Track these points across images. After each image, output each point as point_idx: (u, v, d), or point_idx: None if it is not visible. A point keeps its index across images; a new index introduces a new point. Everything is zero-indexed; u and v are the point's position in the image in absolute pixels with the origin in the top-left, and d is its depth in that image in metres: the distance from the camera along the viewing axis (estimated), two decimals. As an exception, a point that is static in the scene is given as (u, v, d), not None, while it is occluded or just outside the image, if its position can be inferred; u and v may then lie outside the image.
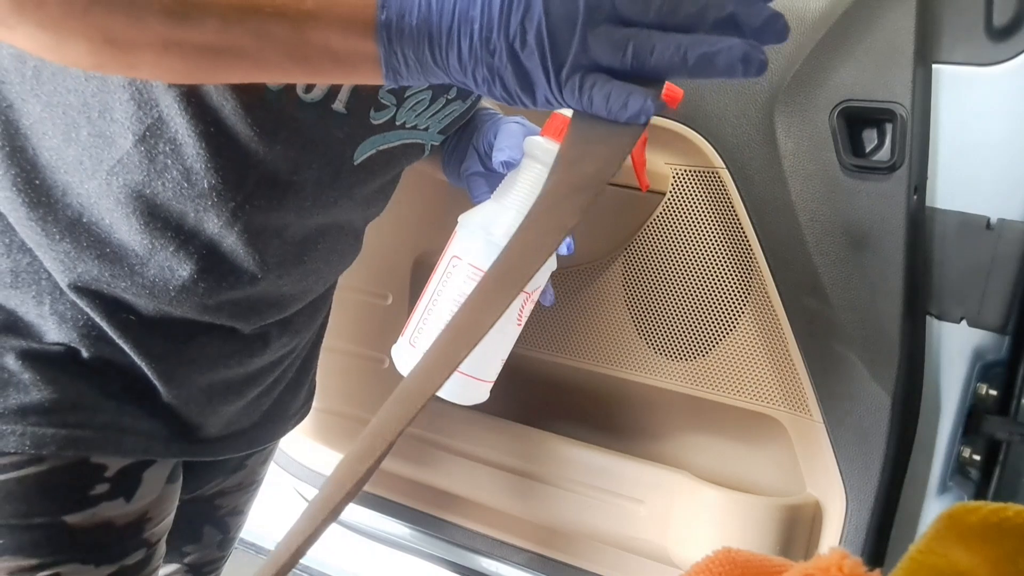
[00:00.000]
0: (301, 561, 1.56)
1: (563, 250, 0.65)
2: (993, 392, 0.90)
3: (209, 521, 0.85)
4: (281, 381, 0.78)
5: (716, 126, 0.97)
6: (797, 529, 0.96)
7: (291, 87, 0.56)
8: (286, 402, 0.81)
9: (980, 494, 0.93)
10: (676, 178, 1.02)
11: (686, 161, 1.01)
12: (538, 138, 0.65)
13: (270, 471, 1.33)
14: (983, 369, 0.90)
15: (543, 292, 0.68)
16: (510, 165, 0.66)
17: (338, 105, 0.59)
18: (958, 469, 0.93)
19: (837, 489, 0.93)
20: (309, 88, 0.57)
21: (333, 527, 1.42)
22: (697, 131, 0.98)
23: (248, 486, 0.87)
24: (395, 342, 0.67)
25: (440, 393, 0.63)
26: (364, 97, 0.60)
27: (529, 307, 0.65)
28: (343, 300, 1.21)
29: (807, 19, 0.92)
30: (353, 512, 1.29)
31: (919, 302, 0.90)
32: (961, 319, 0.88)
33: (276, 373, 0.76)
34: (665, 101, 0.63)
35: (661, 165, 1.03)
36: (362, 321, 1.20)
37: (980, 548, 0.33)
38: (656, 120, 1.00)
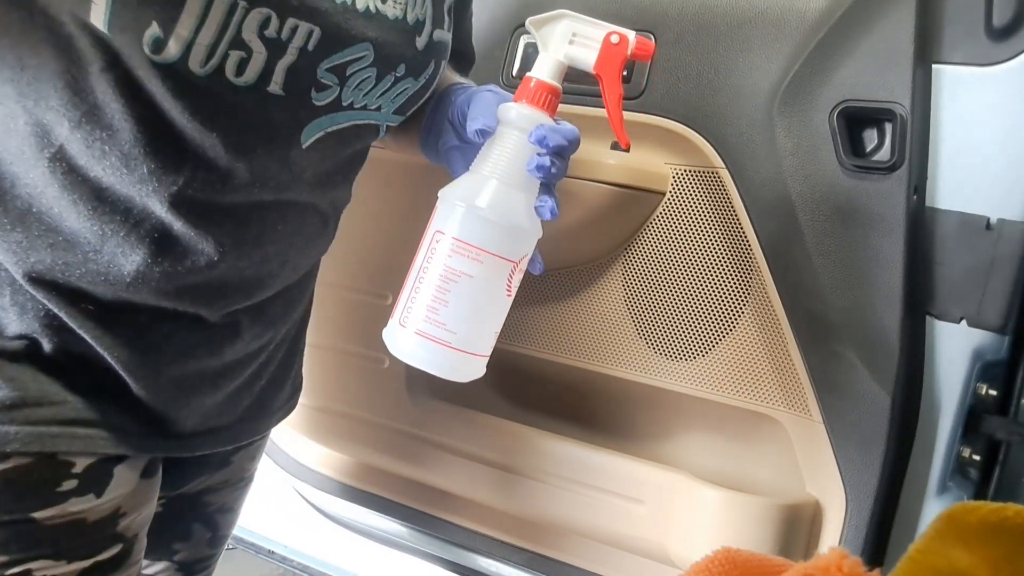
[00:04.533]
0: (301, 561, 1.55)
1: (546, 214, 0.64)
2: (993, 392, 0.90)
3: (198, 519, 0.85)
4: (261, 375, 0.77)
5: (716, 126, 0.97)
6: (797, 529, 0.96)
7: (220, 70, 0.55)
8: (268, 397, 0.80)
9: (980, 494, 0.93)
10: (676, 178, 1.02)
11: (686, 161, 1.01)
12: (511, 104, 0.64)
13: (270, 470, 1.34)
14: (983, 369, 0.90)
15: (532, 261, 0.66)
16: (485, 133, 0.64)
17: (274, 87, 0.58)
18: (958, 469, 0.93)
19: (837, 489, 0.93)
20: (240, 71, 0.56)
21: (331, 526, 1.41)
22: (697, 131, 0.98)
23: (236, 483, 0.86)
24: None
25: (434, 371, 0.62)
26: (302, 77, 0.60)
27: (518, 276, 0.64)
28: (343, 300, 1.22)
29: (807, 19, 0.92)
30: (353, 512, 1.29)
31: (919, 302, 0.90)
32: (961, 319, 0.88)
33: (253, 366, 0.75)
34: (637, 54, 0.63)
35: (661, 165, 1.03)
36: (362, 321, 1.20)
37: (979, 548, 0.33)
38: (656, 120, 1.00)
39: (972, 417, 0.91)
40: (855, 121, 0.90)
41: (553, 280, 1.13)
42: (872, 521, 0.91)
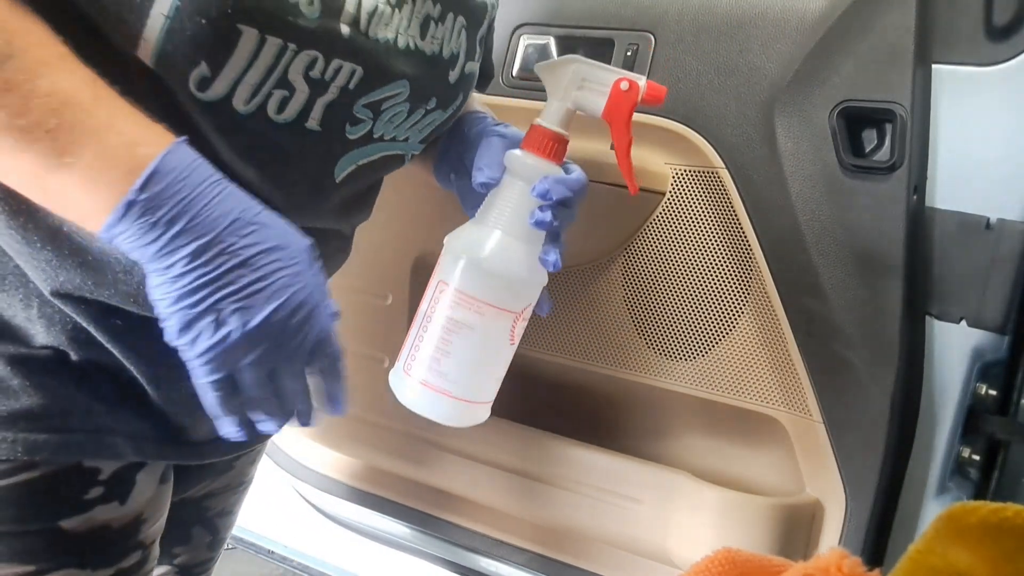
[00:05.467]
0: (301, 561, 1.54)
1: (550, 267, 0.64)
2: (993, 392, 0.90)
3: (198, 522, 0.85)
4: None
5: (716, 126, 0.97)
6: (797, 529, 0.96)
7: (262, 108, 0.56)
8: None
9: (979, 494, 0.93)
10: (676, 178, 1.02)
11: (686, 161, 1.01)
12: (517, 152, 0.63)
13: (270, 471, 1.34)
14: (983, 369, 0.90)
15: (539, 303, 0.67)
16: (489, 186, 0.65)
17: (311, 123, 0.59)
18: (957, 469, 0.93)
19: (837, 489, 0.93)
20: (281, 108, 0.57)
21: (331, 526, 1.41)
22: (697, 131, 0.98)
23: (236, 487, 0.87)
24: (394, 352, 0.67)
25: (437, 419, 0.62)
26: (338, 113, 0.60)
27: (521, 325, 0.65)
28: (343, 300, 1.21)
29: (807, 19, 0.92)
30: (353, 512, 1.29)
31: (919, 302, 0.90)
32: (961, 319, 0.88)
33: None
34: (647, 100, 0.63)
35: (661, 165, 1.03)
36: (362, 321, 1.21)
37: (979, 548, 0.33)
38: (656, 120, 1.00)
39: (972, 417, 0.91)
40: (855, 121, 0.90)
41: (553, 280, 1.12)
42: (872, 521, 0.91)
